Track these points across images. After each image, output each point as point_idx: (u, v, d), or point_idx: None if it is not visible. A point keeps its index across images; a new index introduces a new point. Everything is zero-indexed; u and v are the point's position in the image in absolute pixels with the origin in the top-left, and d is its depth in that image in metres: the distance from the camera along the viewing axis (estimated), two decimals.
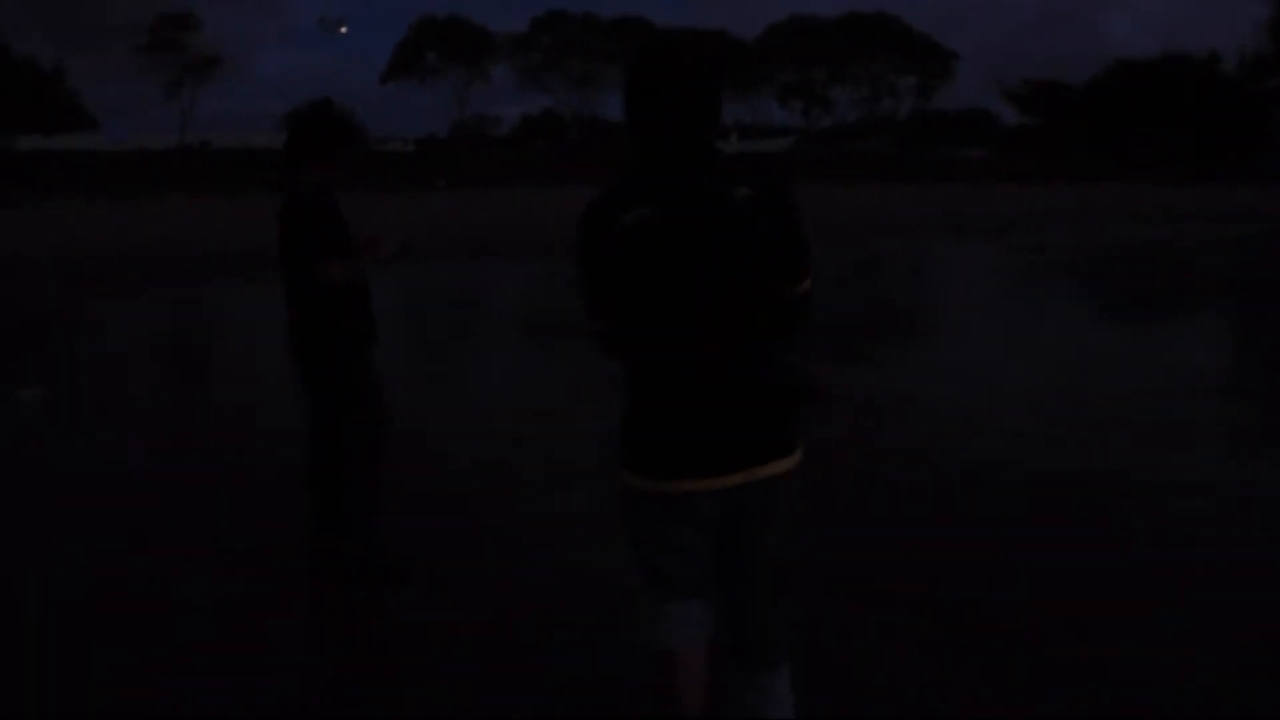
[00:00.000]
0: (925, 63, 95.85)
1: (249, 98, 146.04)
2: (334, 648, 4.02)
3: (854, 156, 62.67)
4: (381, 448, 4.37)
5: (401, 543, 4.46)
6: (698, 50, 2.44)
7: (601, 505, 4.37)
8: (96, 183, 43.81)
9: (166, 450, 6.49)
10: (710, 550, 2.54)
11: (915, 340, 11.82)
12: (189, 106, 79.59)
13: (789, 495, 2.50)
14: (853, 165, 57.53)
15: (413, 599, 4.17)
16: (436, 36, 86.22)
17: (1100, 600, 4.05)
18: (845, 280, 19.03)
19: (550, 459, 6.18)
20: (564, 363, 9.62)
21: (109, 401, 8.15)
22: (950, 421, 7.01)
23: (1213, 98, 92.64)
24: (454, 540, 4.74)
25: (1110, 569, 4.37)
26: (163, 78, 77.98)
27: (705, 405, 2.41)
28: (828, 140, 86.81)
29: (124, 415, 7.62)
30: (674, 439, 2.44)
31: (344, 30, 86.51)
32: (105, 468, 6.02)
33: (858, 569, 4.33)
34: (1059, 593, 4.11)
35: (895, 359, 10.00)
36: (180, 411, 7.91)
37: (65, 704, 3.37)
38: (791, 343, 2.52)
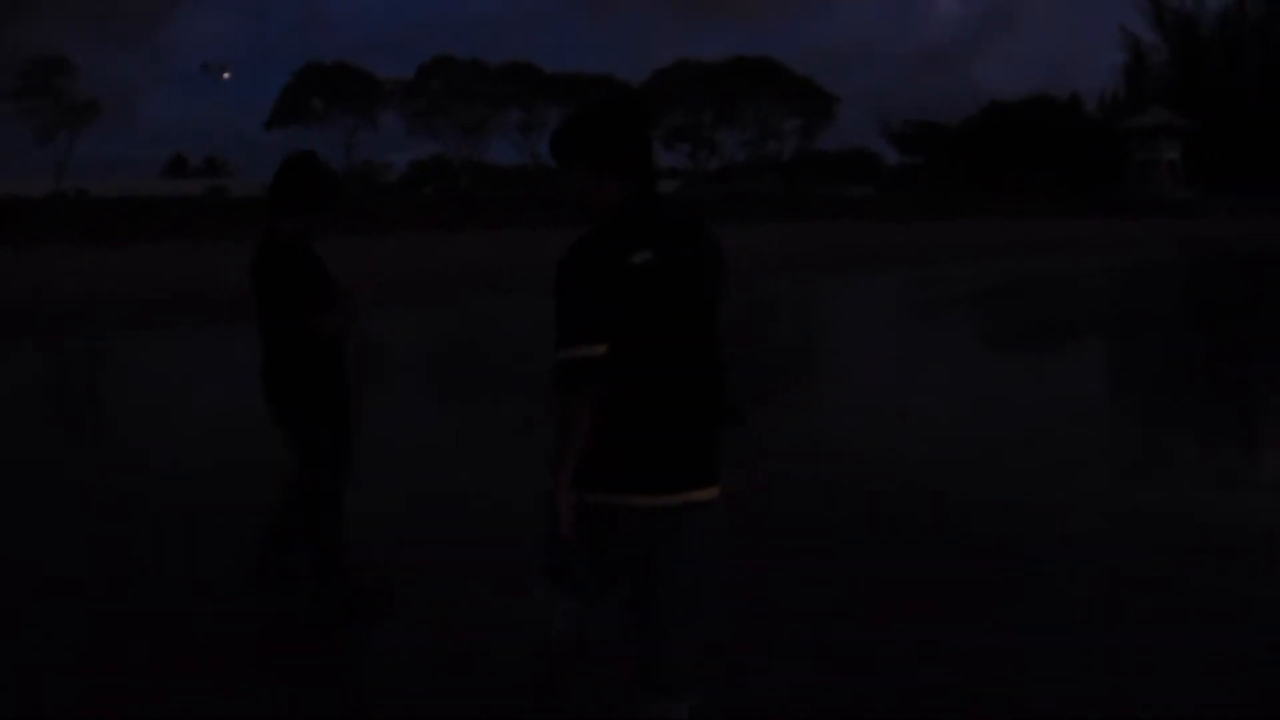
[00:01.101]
0: (808, 105, 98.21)
1: (133, 144, 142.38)
2: (274, 676, 3.96)
3: (742, 197, 63.61)
4: (347, 479, 4.49)
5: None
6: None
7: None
8: None
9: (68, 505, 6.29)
10: (627, 570, 2.71)
11: (814, 378, 12.07)
12: (65, 154, 77.07)
13: (717, 521, 2.70)
14: (741, 205, 58.41)
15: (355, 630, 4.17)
16: (323, 82, 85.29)
17: (999, 629, 4.20)
18: (741, 321, 19.34)
19: (480, 498, 6.17)
20: (479, 407, 9.61)
21: None
22: (851, 456, 7.18)
23: (1077, 136, 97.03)
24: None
25: (1010, 595, 4.53)
26: (35, 124, 75.57)
27: (689, 427, 2.65)
28: (715, 181, 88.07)
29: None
30: (667, 457, 2.62)
31: (227, 76, 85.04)
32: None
33: (756, 602, 4.42)
34: (957, 620, 4.26)
35: (795, 397, 10.20)
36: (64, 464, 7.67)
37: None
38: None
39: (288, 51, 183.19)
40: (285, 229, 4.34)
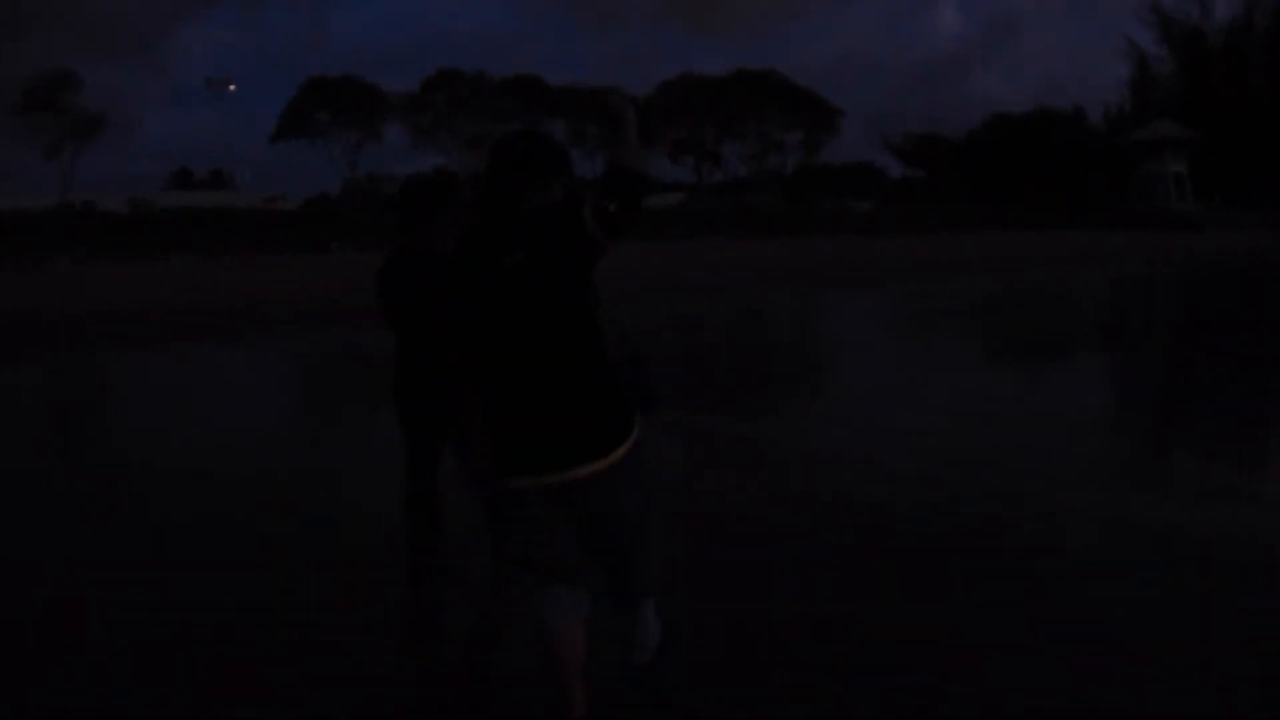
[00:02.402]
0: (811, 118, 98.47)
1: (137, 158, 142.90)
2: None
3: (744, 210, 63.66)
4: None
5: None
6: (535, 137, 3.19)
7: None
8: None
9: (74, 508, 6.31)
10: (573, 535, 3.14)
11: (810, 390, 12.06)
12: (70, 168, 77.41)
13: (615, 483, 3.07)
14: (743, 219, 58.46)
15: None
16: (327, 96, 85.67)
17: (998, 642, 4.19)
18: (744, 332, 19.37)
19: None
20: None
21: None
22: (848, 468, 7.15)
23: (1081, 149, 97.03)
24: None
25: (1007, 609, 4.53)
26: (42, 139, 75.96)
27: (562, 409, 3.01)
28: (718, 195, 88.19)
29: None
30: (547, 440, 3.00)
31: (232, 89, 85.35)
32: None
33: (750, 615, 4.44)
34: (956, 634, 4.26)
35: (793, 409, 10.21)
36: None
37: None
38: None
39: (292, 66, 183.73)
40: (422, 241, 4.62)
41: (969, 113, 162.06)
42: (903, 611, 4.53)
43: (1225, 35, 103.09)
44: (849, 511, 6.14)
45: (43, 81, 74.79)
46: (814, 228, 57.03)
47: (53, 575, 5.36)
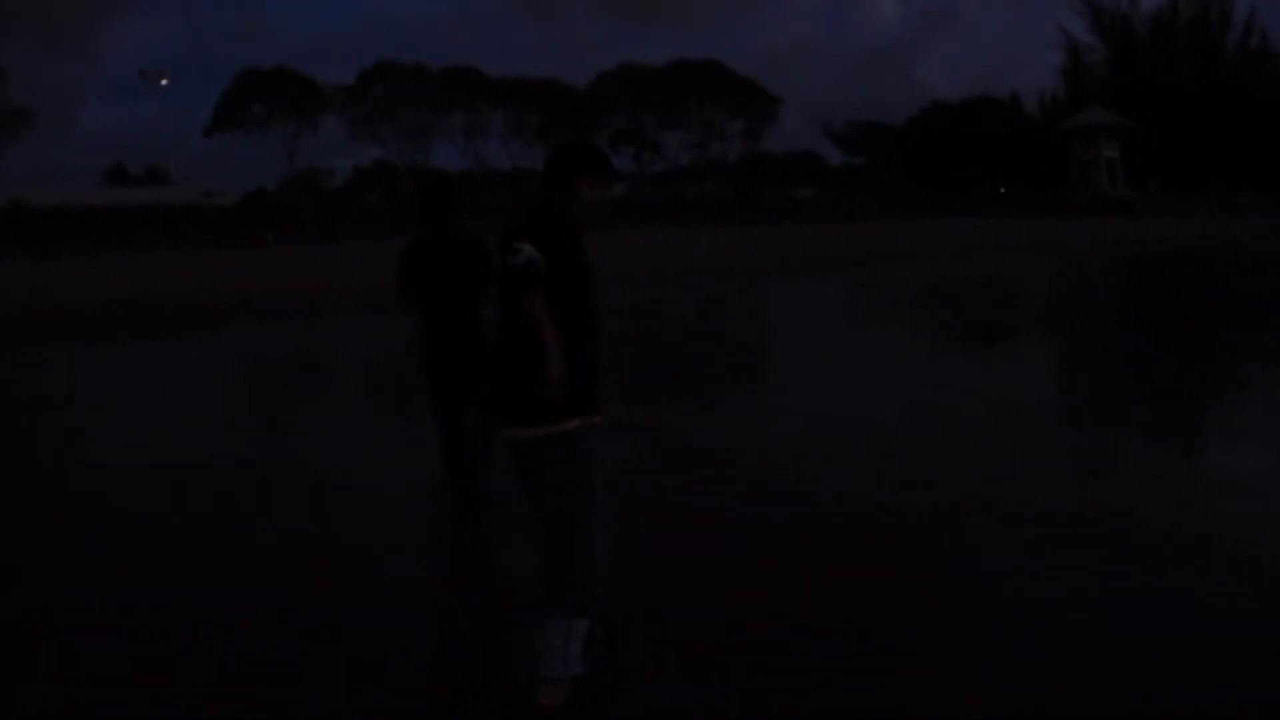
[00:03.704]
0: (751, 107, 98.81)
1: (70, 152, 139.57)
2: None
3: (687, 200, 63.76)
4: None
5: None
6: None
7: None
8: None
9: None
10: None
11: (760, 382, 12.00)
12: None
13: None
14: (686, 209, 58.53)
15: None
16: (263, 88, 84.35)
17: (949, 635, 4.14)
18: (689, 324, 19.30)
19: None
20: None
21: None
22: (791, 460, 7.10)
23: (1018, 136, 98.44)
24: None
25: (957, 602, 4.48)
26: None
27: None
28: (660, 185, 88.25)
29: None
30: (595, 386, 3.83)
31: (165, 82, 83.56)
32: None
33: (697, 612, 4.33)
34: (906, 625, 4.19)
35: (743, 402, 10.12)
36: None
37: None
38: None
39: (229, 57, 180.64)
40: (453, 229, 5.50)
41: (908, 101, 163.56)
42: (845, 606, 4.45)
43: (1152, 24, 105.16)
44: (792, 503, 6.07)
45: None
46: (757, 216, 57.19)
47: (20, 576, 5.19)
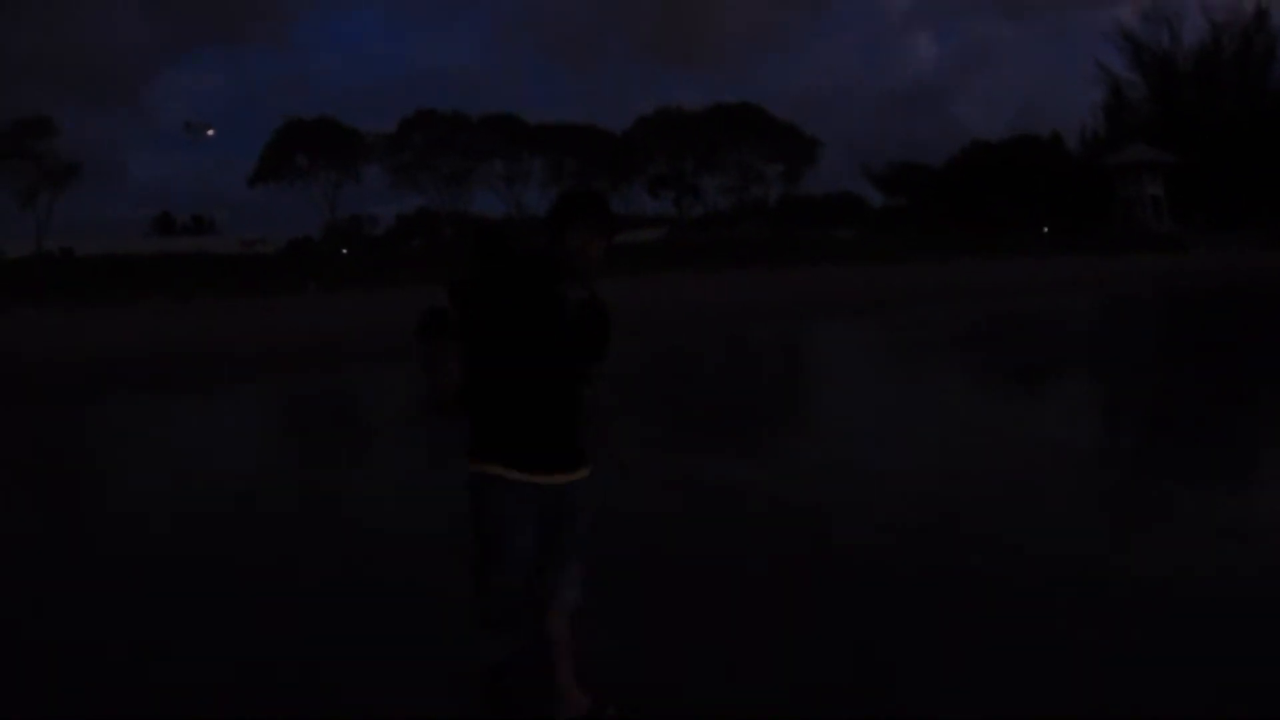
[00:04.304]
0: (790, 149, 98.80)
1: (118, 203, 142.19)
2: None
3: (726, 243, 63.60)
4: None
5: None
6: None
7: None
8: None
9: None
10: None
11: (795, 429, 11.70)
12: (46, 214, 76.98)
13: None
14: (726, 251, 58.39)
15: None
16: (305, 138, 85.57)
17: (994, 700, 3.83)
18: (727, 368, 19.04)
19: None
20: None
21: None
22: (837, 517, 6.80)
23: (1060, 174, 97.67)
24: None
25: (1000, 667, 4.17)
26: (17, 186, 75.58)
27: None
28: (700, 228, 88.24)
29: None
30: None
31: (211, 134, 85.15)
32: None
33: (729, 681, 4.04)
34: (954, 691, 3.88)
35: (778, 450, 9.83)
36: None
37: None
38: None
39: (272, 108, 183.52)
40: None
41: (947, 141, 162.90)
42: (884, 672, 4.14)
43: (1195, 60, 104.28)
44: (824, 561, 5.79)
45: (17, 128, 74.48)
46: (797, 258, 56.95)
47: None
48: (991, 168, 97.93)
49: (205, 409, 15.10)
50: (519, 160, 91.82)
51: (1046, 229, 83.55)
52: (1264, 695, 3.88)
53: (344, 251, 63.86)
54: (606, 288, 3.99)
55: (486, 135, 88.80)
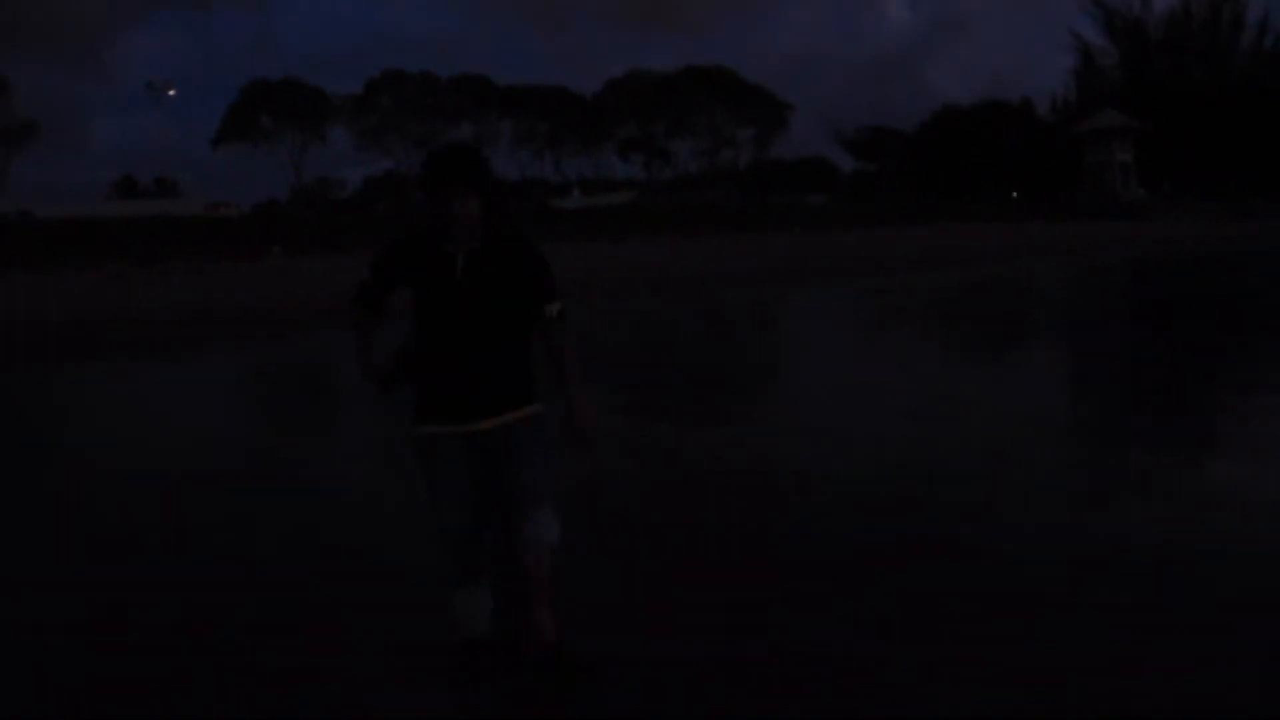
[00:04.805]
0: (762, 114, 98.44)
1: (79, 166, 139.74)
2: None
3: (697, 207, 63.31)
4: None
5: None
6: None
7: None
8: None
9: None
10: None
11: (767, 395, 11.56)
12: (2, 175, 75.58)
13: None
14: (696, 216, 58.12)
15: None
16: (270, 99, 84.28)
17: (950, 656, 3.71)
18: (697, 333, 18.87)
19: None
20: None
21: None
22: (809, 483, 6.66)
23: (1030, 140, 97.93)
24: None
25: (969, 635, 4.06)
26: None
27: None
28: (670, 192, 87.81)
29: None
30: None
31: (172, 93, 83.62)
32: None
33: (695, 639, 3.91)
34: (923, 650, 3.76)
35: (752, 416, 9.70)
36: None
37: None
38: None
39: (238, 70, 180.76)
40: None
41: (918, 106, 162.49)
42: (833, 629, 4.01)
43: (1165, 27, 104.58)
44: (789, 526, 5.66)
45: None
46: (768, 223, 56.80)
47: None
48: (962, 133, 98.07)
49: (165, 375, 14.80)
50: (488, 123, 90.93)
51: (1015, 194, 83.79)
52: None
53: (308, 215, 63.04)
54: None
55: (456, 97, 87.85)
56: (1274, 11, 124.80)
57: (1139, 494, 6.37)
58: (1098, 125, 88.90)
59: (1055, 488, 6.49)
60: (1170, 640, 4.09)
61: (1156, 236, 54.25)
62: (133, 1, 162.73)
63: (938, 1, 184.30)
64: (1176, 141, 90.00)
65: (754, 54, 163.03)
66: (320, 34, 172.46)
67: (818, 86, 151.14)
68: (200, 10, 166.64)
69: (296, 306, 23.98)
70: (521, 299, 3.68)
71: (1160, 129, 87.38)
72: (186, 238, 44.99)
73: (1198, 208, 78.64)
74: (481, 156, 3.72)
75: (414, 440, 3.74)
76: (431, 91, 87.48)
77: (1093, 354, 14.12)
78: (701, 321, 21.00)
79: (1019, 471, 6.84)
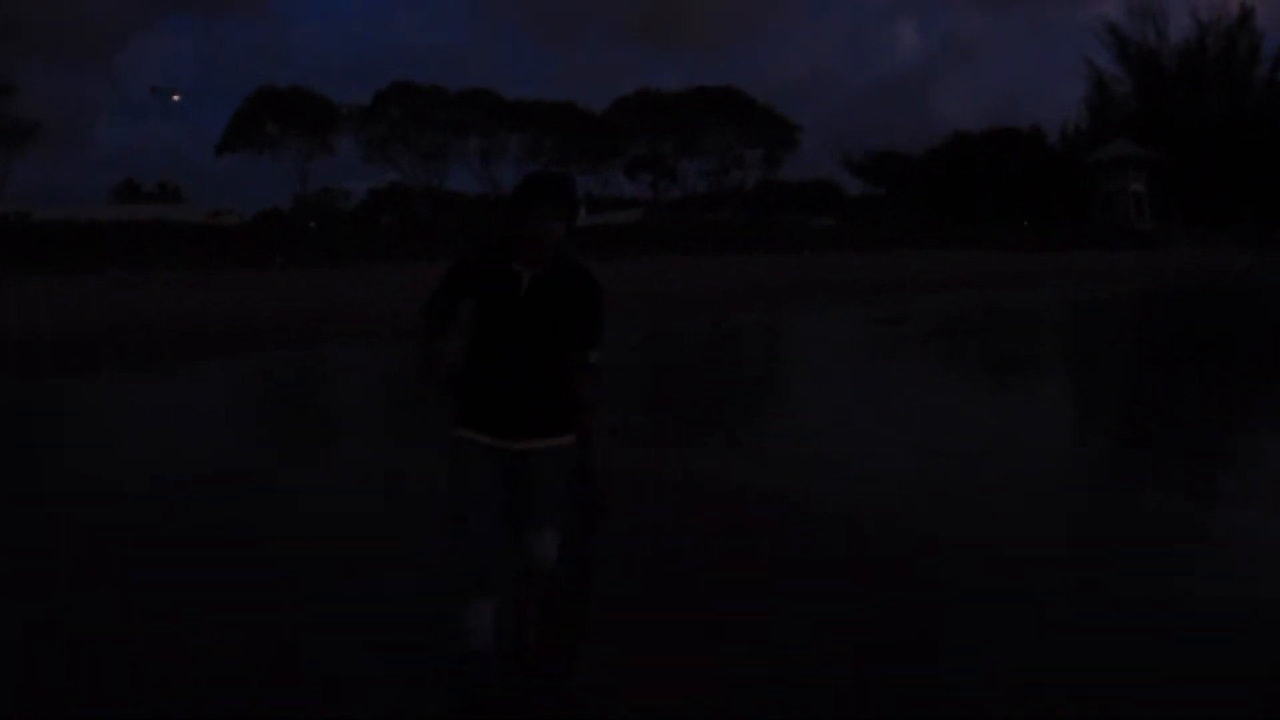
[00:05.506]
0: (770, 135, 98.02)
1: (83, 170, 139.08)
2: None
3: (703, 227, 62.86)
4: None
5: None
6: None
7: None
8: None
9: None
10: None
11: (769, 422, 10.94)
12: (2, 175, 75.13)
13: None
14: (702, 235, 57.67)
15: None
16: (277, 106, 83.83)
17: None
18: (703, 357, 18.29)
19: None
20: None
21: None
22: (818, 516, 6.30)
23: (1040, 168, 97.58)
24: None
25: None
26: None
27: None
28: (677, 211, 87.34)
29: None
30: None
31: (176, 98, 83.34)
32: None
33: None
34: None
35: (746, 442, 9.13)
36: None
37: None
38: None
39: (248, 77, 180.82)
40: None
41: (927, 131, 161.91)
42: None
43: (1179, 57, 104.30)
44: (796, 560, 5.46)
45: None
46: (775, 244, 56.28)
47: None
48: (971, 159, 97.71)
49: (158, 388, 14.24)
50: (496, 137, 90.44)
51: (1026, 224, 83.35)
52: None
53: (311, 225, 62.53)
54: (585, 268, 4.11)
55: (464, 110, 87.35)
56: None
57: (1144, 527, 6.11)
58: (1111, 154, 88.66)
59: (1055, 522, 6.23)
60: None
61: (1166, 266, 53.74)
62: (144, 6, 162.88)
63: (948, 26, 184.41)
64: (1190, 172, 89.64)
65: (764, 75, 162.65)
66: (330, 45, 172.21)
67: (827, 109, 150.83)
68: (212, 17, 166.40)
69: (297, 320, 23.45)
70: (570, 332, 3.80)
71: (1173, 159, 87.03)
72: (185, 245, 44.52)
73: (1212, 237, 78.22)
74: (576, 187, 3.85)
75: (452, 442, 3.83)
76: (440, 104, 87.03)
77: (1096, 386, 13.79)
78: (708, 344, 20.45)
79: (1018, 508, 6.53)
